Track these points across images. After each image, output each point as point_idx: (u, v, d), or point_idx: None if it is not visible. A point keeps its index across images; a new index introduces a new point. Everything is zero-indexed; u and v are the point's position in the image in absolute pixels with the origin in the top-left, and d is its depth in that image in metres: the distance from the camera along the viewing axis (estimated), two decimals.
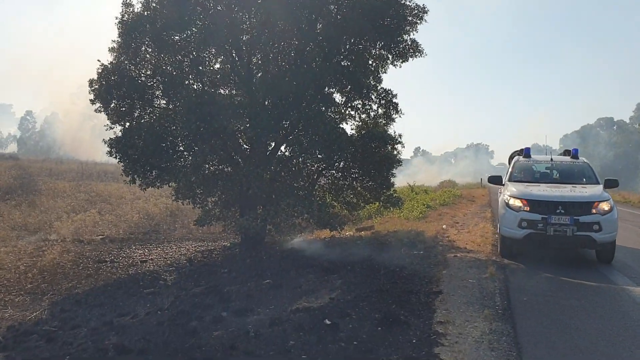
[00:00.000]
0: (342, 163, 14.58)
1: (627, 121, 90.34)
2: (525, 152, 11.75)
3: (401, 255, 10.74)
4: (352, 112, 14.64)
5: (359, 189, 15.06)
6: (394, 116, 14.30)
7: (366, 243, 12.87)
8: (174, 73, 13.02)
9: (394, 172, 14.47)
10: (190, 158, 12.88)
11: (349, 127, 15.03)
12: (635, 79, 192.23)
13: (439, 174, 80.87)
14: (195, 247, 15.68)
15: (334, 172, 14.82)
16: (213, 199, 14.11)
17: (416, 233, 14.03)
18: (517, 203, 9.65)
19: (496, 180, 11.11)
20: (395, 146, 13.92)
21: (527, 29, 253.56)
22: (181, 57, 13.14)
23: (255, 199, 13.65)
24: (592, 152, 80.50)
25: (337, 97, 14.38)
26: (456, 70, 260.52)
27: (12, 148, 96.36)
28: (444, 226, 15.97)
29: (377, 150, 13.89)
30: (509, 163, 13.26)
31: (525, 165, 11.56)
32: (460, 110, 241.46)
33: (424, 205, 21.63)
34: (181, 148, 13.16)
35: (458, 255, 10.62)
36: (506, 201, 9.89)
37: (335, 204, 14.84)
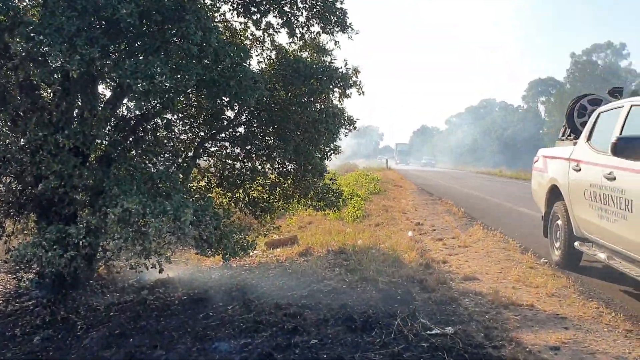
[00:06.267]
0: (242, 127, 7.73)
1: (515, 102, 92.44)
2: None
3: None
4: (258, 33, 7.77)
5: (272, 176, 8.29)
6: (336, 34, 7.60)
7: (285, 286, 6.19)
8: None
9: (338, 144, 7.89)
10: None
11: (255, 62, 8.07)
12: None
13: None
14: None
15: (227, 144, 7.95)
16: None
17: (382, 254, 7.54)
18: None
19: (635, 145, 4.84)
20: (347, 91, 7.27)
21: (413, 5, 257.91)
22: None
23: (63, 198, 6.42)
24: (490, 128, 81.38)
25: None
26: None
27: None
28: (410, 234, 9.64)
29: (310, 103, 7.20)
30: (572, 118, 7.22)
31: None
32: None
33: (352, 195, 15.19)
34: None
35: (554, 351, 4.21)
36: None
37: (232, 204, 8.00)
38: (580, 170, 6.32)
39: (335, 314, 5.02)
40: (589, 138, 6.47)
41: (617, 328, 4.51)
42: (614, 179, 5.31)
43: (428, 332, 4.51)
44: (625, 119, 5.59)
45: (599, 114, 6.48)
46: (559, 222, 7.08)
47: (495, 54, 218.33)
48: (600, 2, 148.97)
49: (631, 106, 5.61)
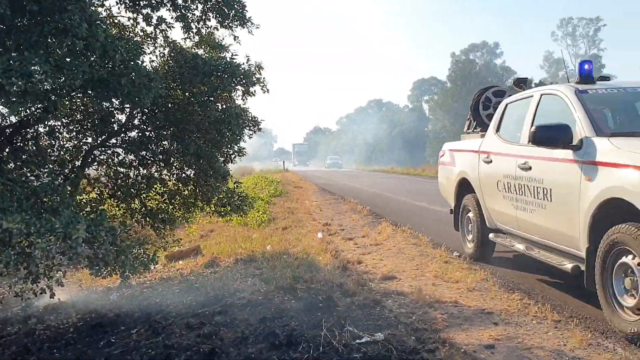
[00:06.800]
0: (135, 131, 7.08)
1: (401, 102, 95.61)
2: (586, 73, 5.47)
3: None
4: (149, 29, 7.14)
5: (171, 183, 7.69)
6: (234, 29, 7.14)
7: (194, 302, 5.64)
8: None
9: (242, 146, 7.44)
10: None
11: (147, 60, 7.37)
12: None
13: None
14: None
15: (119, 151, 7.26)
16: None
17: (295, 259, 7.20)
18: None
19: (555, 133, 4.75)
20: (251, 89, 6.85)
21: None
22: None
23: None
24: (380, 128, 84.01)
25: None
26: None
27: None
28: (320, 235, 9.40)
29: (211, 102, 6.72)
30: (477, 111, 7.23)
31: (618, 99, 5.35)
32: None
33: (254, 199, 14.73)
34: None
35: (490, 349, 4.05)
36: None
37: (128, 216, 7.32)
38: (491, 161, 6.33)
39: (255, 330, 4.60)
40: (497, 129, 6.50)
41: (546, 319, 4.46)
42: (530, 168, 5.32)
43: (358, 340, 4.21)
44: (537, 108, 5.63)
45: (506, 105, 6.53)
46: (471, 214, 7.08)
47: (386, 54, 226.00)
48: (473, 3, 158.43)
49: (541, 95, 5.66)
